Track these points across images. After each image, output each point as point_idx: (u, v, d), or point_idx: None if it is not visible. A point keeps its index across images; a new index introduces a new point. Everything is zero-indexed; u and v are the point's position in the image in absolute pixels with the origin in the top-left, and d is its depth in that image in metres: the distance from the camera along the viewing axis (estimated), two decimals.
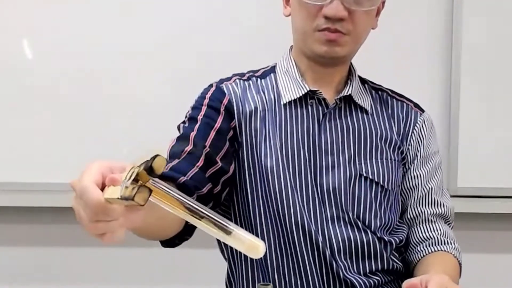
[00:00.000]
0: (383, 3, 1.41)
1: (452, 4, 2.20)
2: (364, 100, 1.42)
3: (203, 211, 0.80)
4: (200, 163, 1.25)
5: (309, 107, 1.37)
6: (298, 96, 1.37)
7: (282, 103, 1.37)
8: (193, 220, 0.80)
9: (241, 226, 1.35)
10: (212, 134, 1.30)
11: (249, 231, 1.32)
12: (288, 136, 1.34)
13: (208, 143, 1.28)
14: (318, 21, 1.31)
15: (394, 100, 1.47)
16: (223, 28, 2.19)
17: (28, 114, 2.19)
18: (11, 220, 2.25)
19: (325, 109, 1.37)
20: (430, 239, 1.41)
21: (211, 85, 1.40)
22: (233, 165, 1.33)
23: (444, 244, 1.40)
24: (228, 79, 1.42)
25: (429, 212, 1.43)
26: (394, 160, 1.40)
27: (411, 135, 1.44)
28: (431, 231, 1.42)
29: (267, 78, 1.42)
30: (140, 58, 2.20)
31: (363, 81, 1.48)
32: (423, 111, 1.48)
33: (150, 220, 0.98)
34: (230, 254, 1.41)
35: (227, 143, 1.32)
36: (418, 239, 1.42)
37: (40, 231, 2.27)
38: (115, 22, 2.19)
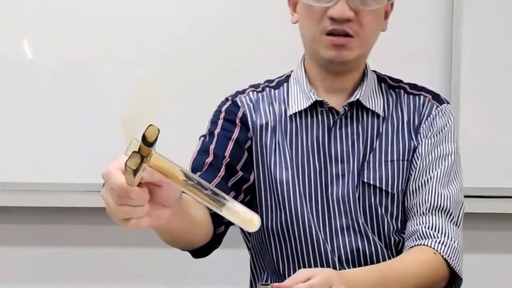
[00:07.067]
0: (392, 5, 1.39)
1: (452, 5, 2.20)
2: (376, 103, 1.39)
3: (200, 182, 0.83)
4: (222, 173, 1.30)
5: (319, 116, 1.37)
6: (304, 107, 1.37)
7: (288, 114, 1.37)
8: (189, 190, 0.83)
9: (252, 236, 1.41)
10: (231, 144, 1.34)
11: (260, 241, 1.38)
12: (298, 147, 1.36)
13: (227, 153, 1.32)
14: (325, 24, 1.29)
15: (411, 96, 1.42)
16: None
17: (28, 114, 2.19)
18: (11, 220, 2.25)
19: (335, 116, 1.36)
20: (415, 233, 1.32)
21: (226, 99, 1.43)
22: (253, 174, 1.36)
23: (427, 238, 1.30)
24: (243, 91, 1.44)
25: (423, 205, 1.33)
26: (405, 160, 1.36)
27: (423, 126, 1.38)
28: (417, 225, 1.32)
29: (281, 88, 1.43)
30: (142, 58, 2.20)
31: (381, 79, 1.45)
32: (442, 103, 1.42)
33: (178, 224, 1.05)
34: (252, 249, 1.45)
35: (246, 153, 1.35)
36: (407, 234, 1.35)
37: (40, 231, 2.27)
38: (115, 21, 2.19)
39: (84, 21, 2.18)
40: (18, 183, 2.19)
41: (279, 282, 1.36)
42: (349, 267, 1.32)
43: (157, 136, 0.80)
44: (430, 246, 1.29)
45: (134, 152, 0.80)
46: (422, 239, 1.30)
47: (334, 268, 1.30)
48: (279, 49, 2.12)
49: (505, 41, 2.22)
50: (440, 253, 1.28)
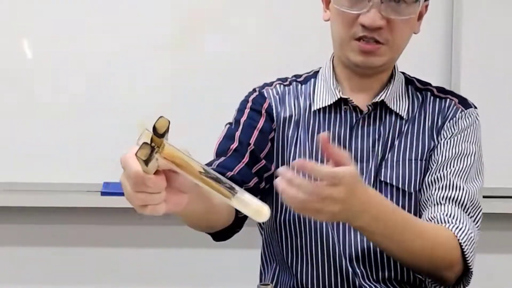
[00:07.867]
0: (427, 6, 1.38)
1: (452, 5, 2.20)
2: (401, 105, 1.38)
3: (211, 172, 0.85)
4: (246, 159, 1.32)
5: (343, 114, 1.37)
6: (329, 103, 1.37)
7: (312, 109, 1.38)
8: (200, 180, 0.85)
9: (265, 226, 1.41)
10: (256, 133, 1.36)
11: (271, 232, 1.39)
12: (319, 142, 1.34)
13: (252, 141, 1.34)
14: (355, 29, 1.29)
15: (438, 99, 1.41)
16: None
17: (28, 113, 2.19)
18: (11, 220, 2.25)
19: (359, 115, 1.36)
20: (433, 220, 1.28)
21: (254, 90, 1.45)
22: (274, 164, 1.37)
23: (446, 222, 1.26)
24: (271, 83, 1.46)
25: (439, 195, 1.30)
26: (423, 160, 1.35)
27: (445, 127, 1.37)
28: (435, 212, 1.28)
29: (308, 83, 1.44)
30: (141, 58, 2.20)
31: (409, 81, 1.44)
32: (468, 107, 1.40)
33: (197, 208, 1.05)
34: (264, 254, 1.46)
35: (269, 143, 1.37)
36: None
37: (40, 231, 2.27)
38: (115, 21, 2.19)
39: (84, 21, 2.18)
40: (18, 183, 2.19)
41: (286, 273, 1.39)
42: (358, 266, 1.31)
43: (168, 127, 0.82)
44: (449, 229, 1.25)
45: (144, 143, 0.82)
46: (441, 223, 1.26)
47: (345, 266, 1.31)
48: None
49: (505, 41, 2.22)
50: (457, 237, 1.24)
